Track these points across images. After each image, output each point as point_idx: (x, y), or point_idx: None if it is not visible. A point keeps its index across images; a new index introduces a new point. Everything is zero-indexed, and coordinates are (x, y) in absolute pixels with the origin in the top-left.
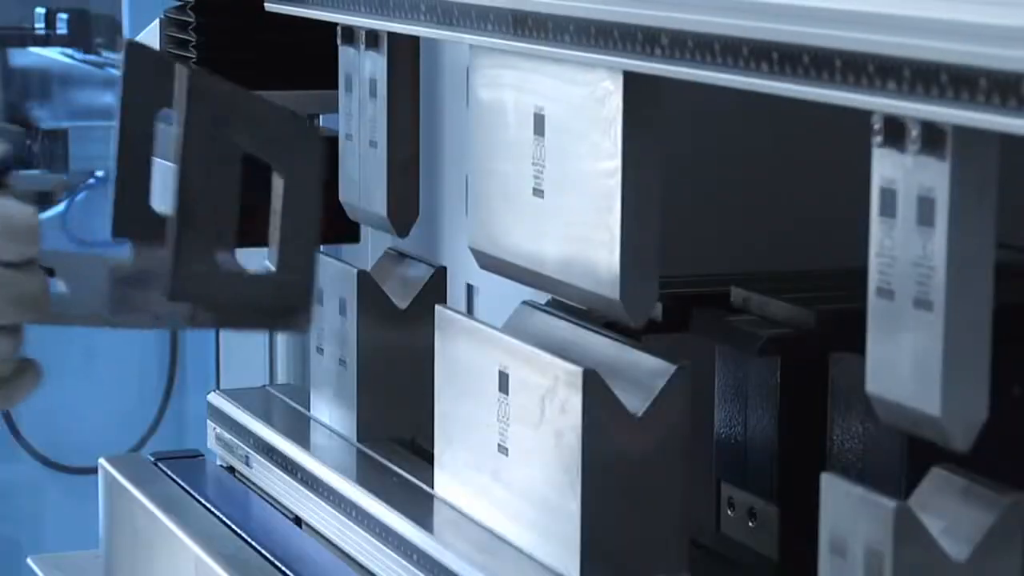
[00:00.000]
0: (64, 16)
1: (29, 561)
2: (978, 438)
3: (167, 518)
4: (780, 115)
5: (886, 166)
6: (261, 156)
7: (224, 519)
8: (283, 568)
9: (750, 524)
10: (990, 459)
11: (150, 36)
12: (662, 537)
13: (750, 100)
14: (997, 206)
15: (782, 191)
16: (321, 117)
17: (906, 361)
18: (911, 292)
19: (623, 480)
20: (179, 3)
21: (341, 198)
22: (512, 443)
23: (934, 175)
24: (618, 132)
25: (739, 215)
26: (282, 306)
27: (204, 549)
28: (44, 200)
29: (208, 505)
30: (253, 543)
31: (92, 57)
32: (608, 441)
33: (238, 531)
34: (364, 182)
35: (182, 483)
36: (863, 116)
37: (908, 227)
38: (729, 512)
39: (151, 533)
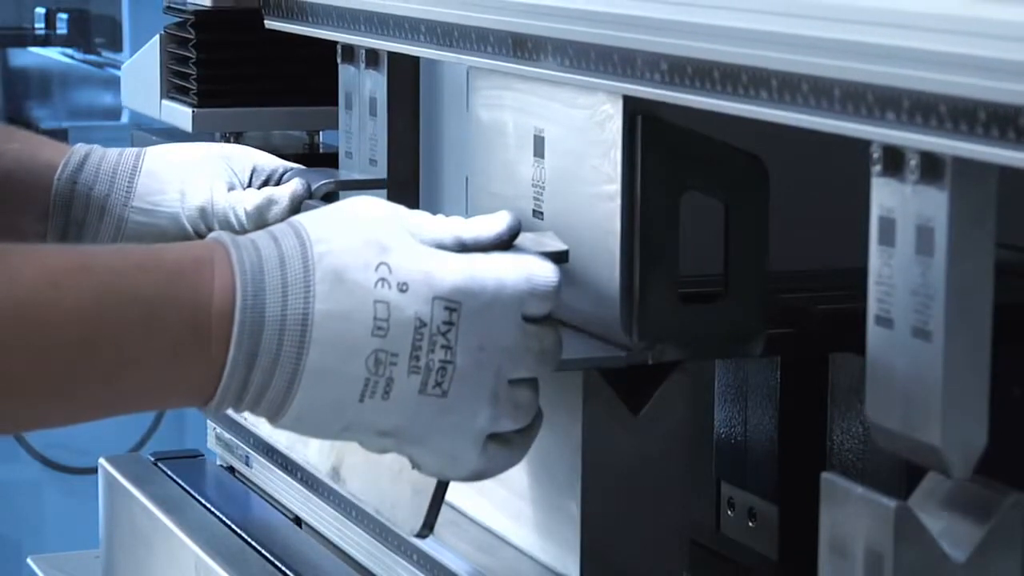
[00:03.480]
0: (64, 16)
1: (29, 561)
2: None
3: (167, 518)
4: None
5: (885, 195)
6: (710, 192)
7: (224, 519)
8: (283, 568)
9: (750, 524)
10: (990, 459)
11: (149, 52)
12: (662, 537)
13: None
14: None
15: (782, 190)
16: (321, 133)
17: (905, 390)
18: (910, 321)
19: (623, 480)
20: (179, 20)
21: None
22: None
23: (933, 205)
24: (618, 155)
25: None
26: (737, 332)
27: (204, 549)
28: None
29: (208, 505)
30: (253, 543)
31: (92, 57)
32: (608, 441)
33: (238, 531)
34: None
35: (182, 483)
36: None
37: (907, 256)
38: (729, 512)
39: (151, 533)
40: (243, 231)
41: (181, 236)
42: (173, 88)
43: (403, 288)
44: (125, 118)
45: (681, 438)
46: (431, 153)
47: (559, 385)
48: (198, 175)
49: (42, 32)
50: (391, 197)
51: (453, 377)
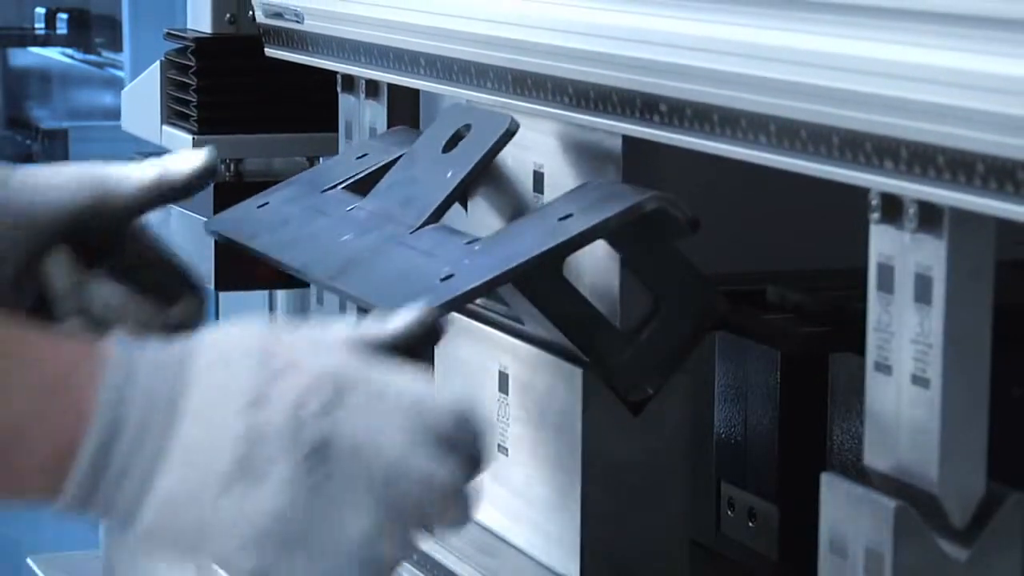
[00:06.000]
0: (64, 16)
1: (29, 561)
2: None
3: None
4: None
5: (884, 242)
6: None
7: None
8: None
9: (750, 524)
10: (990, 459)
11: (150, 78)
12: (662, 537)
13: None
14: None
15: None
16: (321, 160)
17: (904, 436)
18: (908, 368)
19: (623, 480)
20: (179, 46)
21: None
22: (512, 443)
23: (931, 253)
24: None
25: (766, 214)
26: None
27: None
28: None
29: None
30: None
31: (92, 57)
32: (608, 441)
33: None
34: None
35: None
36: None
37: (905, 303)
38: (729, 512)
39: None
40: (142, 187)
41: (68, 209)
42: (173, 114)
43: (288, 365)
44: None
45: (681, 438)
46: None
47: (559, 385)
48: (82, 165)
49: (42, 32)
50: None
51: (336, 465)
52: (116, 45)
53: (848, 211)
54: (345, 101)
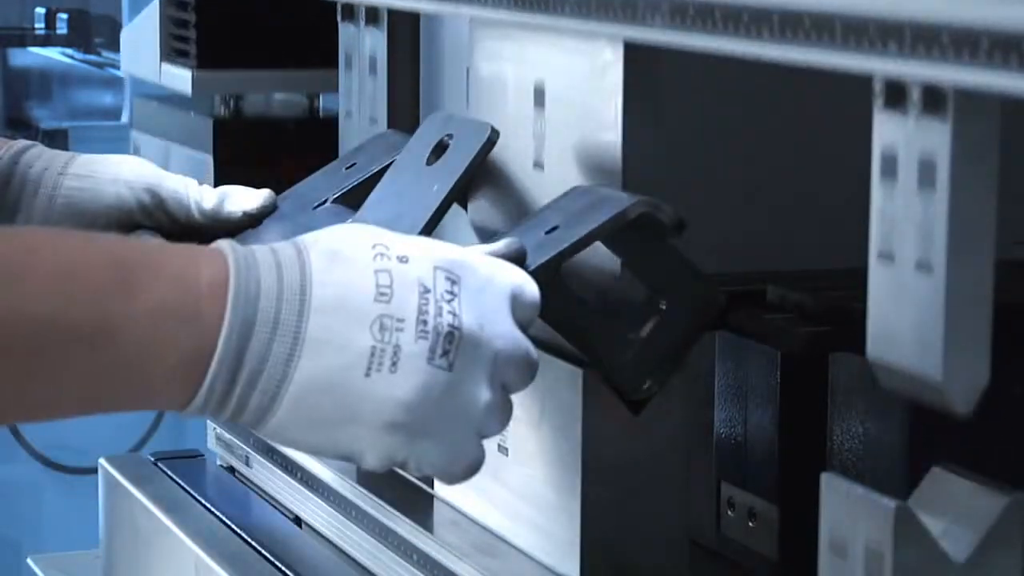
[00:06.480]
0: (64, 16)
1: (29, 561)
2: (978, 438)
3: (167, 518)
4: (809, 115)
5: (887, 130)
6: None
7: (224, 519)
8: (283, 568)
9: (750, 524)
10: (990, 459)
11: (149, 16)
12: (662, 537)
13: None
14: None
15: (808, 186)
16: (321, 98)
17: (907, 325)
18: (912, 255)
19: (623, 480)
20: None
21: None
22: (512, 443)
23: (935, 138)
24: (619, 103)
25: (769, 213)
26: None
27: (204, 549)
28: None
29: (208, 505)
30: (253, 543)
31: (92, 57)
32: (608, 441)
33: (238, 531)
34: None
35: (182, 483)
36: None
37: (909, 190)
38: (729, 512)
39: (151, 533)
40: (201, 213)
41: (119, 207)
42: (172, 52)
43: (403, 259)
44: (125, 118)
45: (681, 438)
46: (431, 111)
47: (559, 385)
48: (144, 163)
49: (42, 32)
50: None
51: (459, 347)
52: (116, 45)
53: (848, 211)
54: (345, 31)
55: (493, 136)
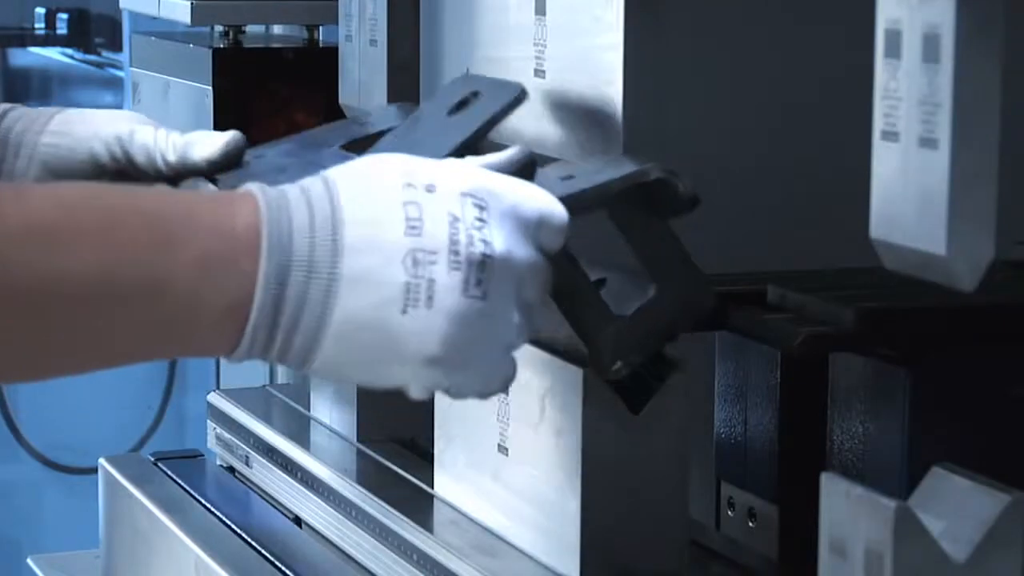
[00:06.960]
0: (64, 16)
1: (29, 561)
2: (978, 438)
3: (167, 518)
4: (816, 114)
5: (891, 6)
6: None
7: (224, 519)
8: (283, 568)
9: (750, 524)
10: (990, 459)
11: None
12: (662, 537)
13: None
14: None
15: (814, 189)
16: (320, 29)
17: (911, 202)
18: (916, 132)
19: (623, 480)
20: None
21: (341, 101)
22: (512, 443)
23: (939, 12)
24: (620, 5)
25: (771, 213)
26: None
27: (204, 549)
28: None
29: (208, 505)
30: (253, 543)
31: (92, 57)
32: (608, 441)
33: (238, 531)
34: (364, 82)
35: (182, 483)
36: None
37: (913, 66)
38: (729, 512)
39: (151, 533)
40: (166, 164)
41: (93, 163)
42: None
43: (430, 189)
44: None
45: (681, 438)
46: (431, 33)
47: (559, 385)
48: (119, 116)
49: (42, 32)
50: (391, 80)
51: (492, 275)
52: (116, 45)
53: (848, 210)
54: None
55: (522, 95)
